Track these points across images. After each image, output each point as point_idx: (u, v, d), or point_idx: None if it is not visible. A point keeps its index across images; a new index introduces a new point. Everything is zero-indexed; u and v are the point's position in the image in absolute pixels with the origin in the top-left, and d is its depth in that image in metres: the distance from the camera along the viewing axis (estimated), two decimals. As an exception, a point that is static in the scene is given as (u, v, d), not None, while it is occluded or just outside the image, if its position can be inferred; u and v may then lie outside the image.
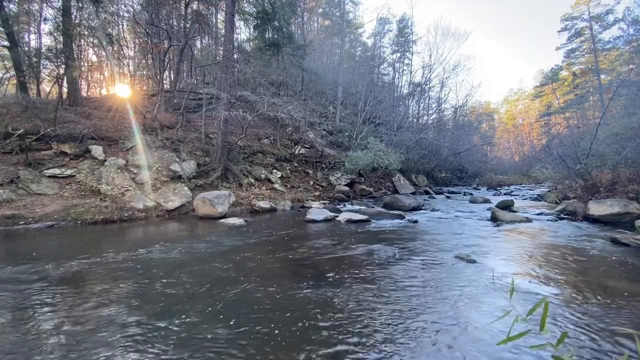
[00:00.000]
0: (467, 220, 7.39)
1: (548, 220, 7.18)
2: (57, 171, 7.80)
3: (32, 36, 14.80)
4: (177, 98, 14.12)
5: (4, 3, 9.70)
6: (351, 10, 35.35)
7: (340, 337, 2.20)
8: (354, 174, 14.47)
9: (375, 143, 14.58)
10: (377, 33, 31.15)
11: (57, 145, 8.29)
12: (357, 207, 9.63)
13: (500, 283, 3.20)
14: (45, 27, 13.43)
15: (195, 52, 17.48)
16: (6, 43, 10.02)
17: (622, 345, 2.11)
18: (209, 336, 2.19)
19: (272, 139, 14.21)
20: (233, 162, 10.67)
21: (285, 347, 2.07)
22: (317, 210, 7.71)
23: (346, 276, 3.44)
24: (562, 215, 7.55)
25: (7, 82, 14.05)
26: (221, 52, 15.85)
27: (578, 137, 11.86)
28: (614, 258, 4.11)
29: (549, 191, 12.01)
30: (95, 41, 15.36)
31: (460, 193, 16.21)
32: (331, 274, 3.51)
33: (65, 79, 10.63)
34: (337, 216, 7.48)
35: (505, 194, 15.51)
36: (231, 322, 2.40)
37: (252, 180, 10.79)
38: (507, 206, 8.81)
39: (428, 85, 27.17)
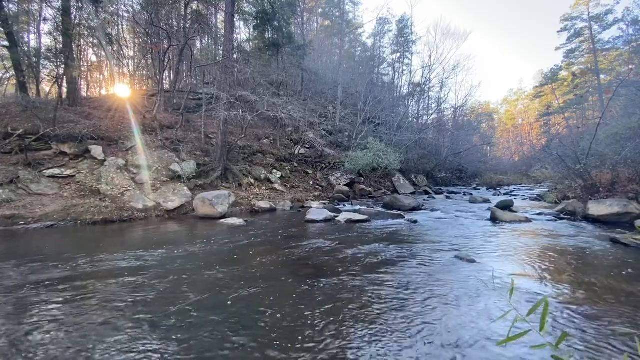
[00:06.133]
0: (467, 220, 7.40)
1: (548, 220, 7.19)
2: (56, 171, 7.79)
3: (32, 36, 14.79)
4: (177, 98, 14.12)
5: (4, 3, 9.69)
6: (351, 10, 35.43)
7: (339, 337, 2.20)
8: (354, 174, 14.48)
9: (375, 143, 14.58)
10: (376, 33, 31.17)
11: (57, 145, 8.29)
12: (357, 207, 9.63)
13: (500, 283, 3.20)
14: (45, 27, 13.42)
15: (195, 52, 17.48)
16: (6, 43, 10.01)
17: (622, 345, 2.11)
18: (209, 335, 2.19)
19: (272, 139, 14.21)
20: (233, 162, 10.67)
21: (285, 346, 2.07)
22: (317, 211, 7.71)
23: (346, 276, 3.45)
24: (561, 216, 7.55)
25: (6, 82, 14.05)
26: (221, 52, 15.88)
27: (578, 137, 11.86)
28: (613, 258, 4.11)
29: (548, 191, 12.02)
30: (95, 41, 15.37)
31: (460, 193, 16.22)
32: (331, 274, 3.51)
33: (65, 79, 10.62)
34: (337, 216, 7.48)
35: (504, 194, 15.52)
36: (231, 322, 2.39)
37: (252, 180, 10.79)
38: (506, 206, 8.81)
39: (428, 86, 27.22)
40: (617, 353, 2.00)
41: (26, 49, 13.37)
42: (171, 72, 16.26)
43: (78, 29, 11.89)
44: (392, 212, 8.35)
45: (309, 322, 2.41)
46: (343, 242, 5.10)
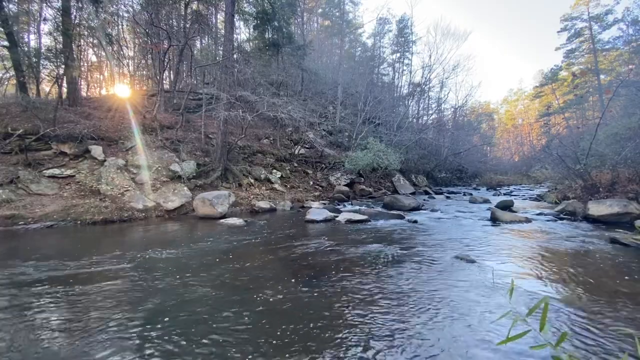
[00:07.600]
0: (467, 220, 7.39)
1: (548, 220, 7.18)
2: (56, 171, 7.79)
3: (32, 36, 14.78)
4: (177, 98, 14.12)
5: (4, 3, 9.69)
6: (351, 10, 35.43)
7: (339, 336, 2.20)
8: (354, 174, 14.48)
9: (375, 143, 14.58)
10: (376, 33, 31.16)
11: (57, 145, 8.29)
12: (356, 207, 9.63)
13: (500, 283, 3.20)
14: (45, 27, 13.41)
15: (195, 52, 17.48)
16: (6, 43, 10.01)
17: (622, 345, 2.11)
18: (208, 335, 2.19)
19: (271, 139, 14.21)
20: (233, 162, 10.67)
21: (285, 345, 2.07)
22: (317, 211, 7.71)
23: (346, 276, 3.44)
24: (561, 216, 7.55)
25: (6, 82, 14.05)
26: (221, 52, 15.89)
27: (578, 137, 11.85)
28: (613, 258, 4.11)
29: (548, 191, 12.02)
30: (95, 41, 15.37)
31: (460, 193, 16.22)
32: (331, 275, 3.51)
33: (64, 79, 10.62)
34: (337, 216, 7.47)
35: (504, 194, 15.51)
36: (230, 322, 2.39)
37: (252, 181, 10.79)
38: (506, 206, 8.81)
39: (428, 86, 27.22)
40: (617, 353, 2.00)
41: (26, 49, 13.35)
42: (171, 72, 16.26)
43: (78, 29, 11.89)
44: (392, 212, 8.34)
45: (308, 321, 2.41)
46: (343, 242, 5.10)
